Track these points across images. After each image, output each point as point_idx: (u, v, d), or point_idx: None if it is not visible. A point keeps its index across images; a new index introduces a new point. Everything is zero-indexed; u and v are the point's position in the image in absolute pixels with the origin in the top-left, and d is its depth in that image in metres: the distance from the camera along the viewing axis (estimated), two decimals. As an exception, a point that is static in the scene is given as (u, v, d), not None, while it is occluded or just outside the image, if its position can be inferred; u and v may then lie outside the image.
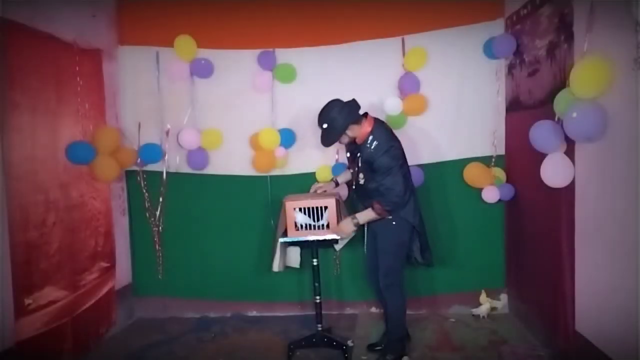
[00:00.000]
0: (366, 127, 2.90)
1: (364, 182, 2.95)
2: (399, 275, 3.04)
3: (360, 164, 2.95)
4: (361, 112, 2.95)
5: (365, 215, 2.91)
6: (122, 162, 3.51)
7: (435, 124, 3.69)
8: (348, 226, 2.94)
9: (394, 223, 2.93)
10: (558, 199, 2.81)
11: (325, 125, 2.88)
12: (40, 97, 2.95)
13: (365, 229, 3.16)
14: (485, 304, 3.72)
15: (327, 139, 2.94)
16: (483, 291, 3.78)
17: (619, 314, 2.30)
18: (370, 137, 2.88)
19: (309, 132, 3.82)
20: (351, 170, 3.19)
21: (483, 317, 3.68)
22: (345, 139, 2.97)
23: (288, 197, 3.25)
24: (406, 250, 3.05)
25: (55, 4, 3.09)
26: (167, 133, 3.87)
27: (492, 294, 3.80)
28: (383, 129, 2.95)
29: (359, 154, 2.95)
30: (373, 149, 2.85)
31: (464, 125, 3.72)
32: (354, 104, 2.92)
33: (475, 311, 3.73)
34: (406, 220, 2.95)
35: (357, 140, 2.96)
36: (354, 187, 3.14)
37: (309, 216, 3.09)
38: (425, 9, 3.66)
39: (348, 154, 3.16)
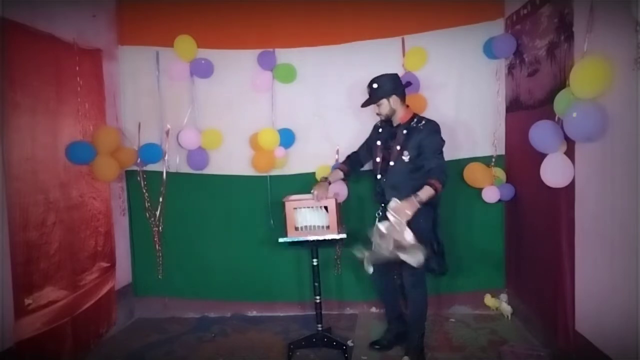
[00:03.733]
0: (408, 110, 3.02)
1: (408, 159, 2.92)
2: (424, 272, 3.02)
3: (403, 143, 2.94)
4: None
5: (426, 192, 2.77)
6: (122, 162, 3.52)
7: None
8: (412, 204, 2.73)
9: (421, 220, 2.87)
10: (558, 199, 2.81)
11: (375, 85, 2.96)
12: (40, 97, 2.95)
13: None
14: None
15: (372, 98, 2.99)
16: (487, 294, 3.78)
17: (619, 314, 2.30)
18: (416, 119, 2.97)
19: (309, 131, 3.83)
20: (378, 159, 3.09)
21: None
22: (385, 109, 2.97)
23: (287, 198, 3.25)
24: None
25: (55, 4, 3.09)
26: (167, 133, 3.87)
27: (492, 294, 3.80)
28: (428, 118, 3.03)
29: (405, 131, 2.94)
30: (423, 126, 2.92)
31: (464, 125, 3.72)
32: (406, 85, 3.07)
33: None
34: (432, 219, 2.98)
35: (398, 119, 3.00)
36: (378, 176, 3.07)
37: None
38: (425, 9, 3.66)
39: (378, 142, 3.11)
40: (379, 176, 3.08)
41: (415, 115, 3.02)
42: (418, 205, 2.75)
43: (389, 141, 3.04)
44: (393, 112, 3.00)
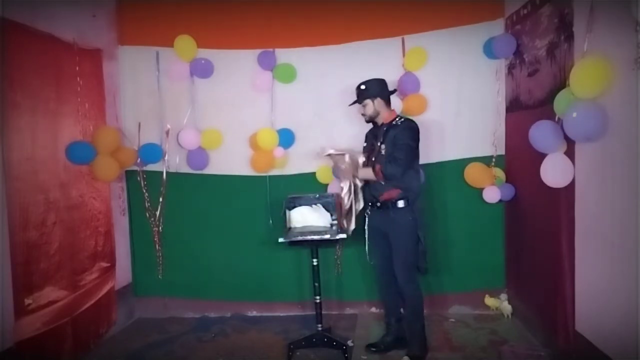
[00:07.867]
0: (392, 113, 3.15)
1: (385, 152, 3.04)
2: (415, 269, 3.10)
3: (382, 138, 3.07)
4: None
5: (365, 172, 3.07)
6: (122, 162, 3.51)
7: (435, 124, 3.68)
8: (348, 172, 3.06)
9: (410, 219, 3.01)
10: (558, 199, 2.81)
11: (363, 87, 3.10)
12: (40, 97, 2.95)
13: (366, 236, 3.19)
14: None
15: (359, 97, 3.13)
16: (487, 294, 3.78)
17: (619, 314, 2.30)
18: (397, 117, 3.11)
19: (309, 131, 3.83)
20: (366, 158, 3.20)
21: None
22: (369, 109, 3.10)
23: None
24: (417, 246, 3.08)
25: (55, 4, 3.09)
26: (167, 133, 3.87)
27: (492, 294, 3.80)
28: (408, 117, 3.17)
29: (385, 129, 3.07)
30: (401, 123, 3.05)
31: (464, 125, 3.72)
32: (391, 91, 3.21)
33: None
34: (420, 216, 3.07)
35: (382, 120, 3.12)
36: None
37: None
38: (425, 9, 3.66)
39: (365, 144, 3.24)
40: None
41: (398, 116, 3.13)
42: (350, 177, 3.09)
43: (374, 140, 3.16)
44: (377, 113, 3.11)
